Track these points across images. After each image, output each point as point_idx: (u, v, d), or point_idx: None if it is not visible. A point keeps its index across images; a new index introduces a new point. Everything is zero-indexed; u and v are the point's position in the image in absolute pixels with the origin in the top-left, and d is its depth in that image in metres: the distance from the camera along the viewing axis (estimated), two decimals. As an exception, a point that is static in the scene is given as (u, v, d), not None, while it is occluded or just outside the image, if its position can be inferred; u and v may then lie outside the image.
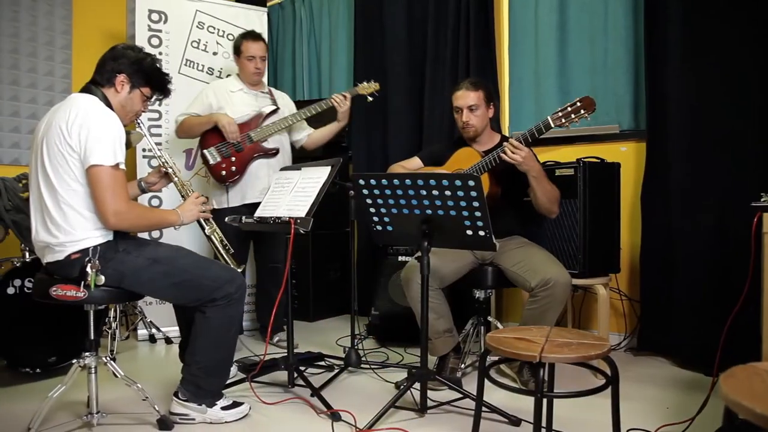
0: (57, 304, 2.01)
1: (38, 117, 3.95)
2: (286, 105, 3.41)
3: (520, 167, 2.39)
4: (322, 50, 4.63)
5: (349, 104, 3.23)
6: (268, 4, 4.77)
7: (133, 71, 2.12)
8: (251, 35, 3.24)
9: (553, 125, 2.37)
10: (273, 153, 3.24)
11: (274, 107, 3.27)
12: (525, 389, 2.28)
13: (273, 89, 3.43)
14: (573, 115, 2.34)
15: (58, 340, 2.73)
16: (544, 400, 1.63)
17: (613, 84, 3.25)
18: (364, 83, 3.30)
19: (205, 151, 3.14)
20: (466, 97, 2.64)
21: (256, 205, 3.10)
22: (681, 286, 2.78)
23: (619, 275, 3.02)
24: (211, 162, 3.13)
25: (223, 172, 3.13)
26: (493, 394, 2.22)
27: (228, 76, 3.60)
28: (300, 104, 3.55)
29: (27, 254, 2.77)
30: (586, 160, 2.75)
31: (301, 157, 3.54)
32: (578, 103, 2.33)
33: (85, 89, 2.09)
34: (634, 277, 3.11)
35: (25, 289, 2.65)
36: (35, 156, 2.01)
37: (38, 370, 2.68)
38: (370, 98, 3.31)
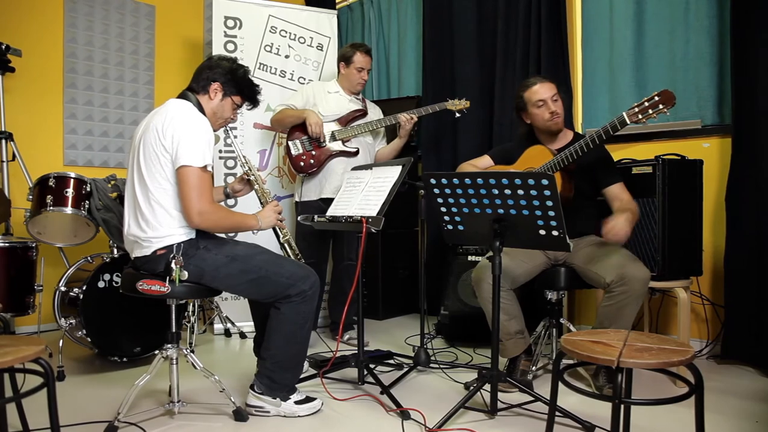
0: (142, 297, 2.13)
1: (125, 122, 4.20)
2: (376, 116, 3.52)
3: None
4: (391, 51, 4.66)
5: (413, 125, 3.34)
6: (338, 6, 4.84)
7: (226, 80, 2.25)
8: (364, 49, 3.39)
9: (629, 122, 2.28)
10: (353, 153, 3.34)
11: (362, 109, 3.42)
12: (602, 395, 2.21)
13: (366, 99, 3.57)
14: (651, 111, 2.24)
15: (142, 331, 2.88)
16: (622, 407, 1.57)
17: (694, 76, 3.09)
18: (455, 100, 3.36)
19: (289, 141, 3.33)
20: (546, 89, 2.58)
21: (331, 200, 3.18)
22: (771, 290, 2.61)
23: (701, 278, 2.87)
24: (293, 152, 3.31)
25: (302, 163, 3.30)
26: (566, 399, 2.16)
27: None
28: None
29: (115, 251, 2.94)
30: (665, 157, 2.63)
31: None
32: (656, 98, 2.23)
33: (182, 95, 2.22)
34: (718, 281, 2.95)
35: (114, 283, 2.82)
36: (133, 155, 2.15)
37: (124, 359, 2.85)
38: (458, 114, 3.37)
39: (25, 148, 3.57)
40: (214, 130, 2.24)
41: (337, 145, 3.31)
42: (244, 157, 2.49)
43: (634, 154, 3.03)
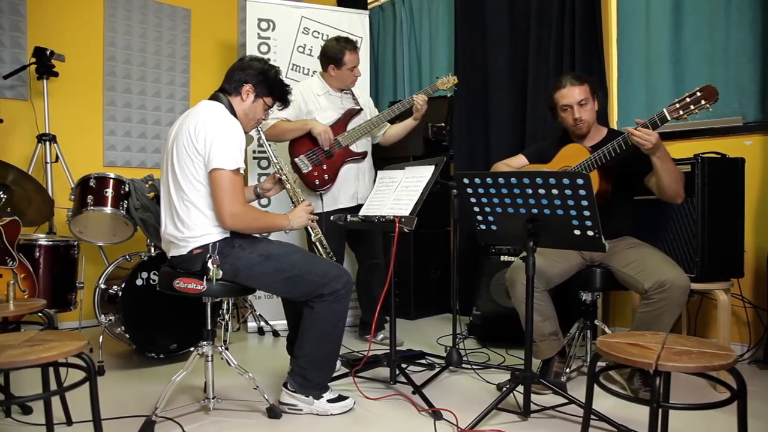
0: (178, 295, 2.17)
1: (161, 123, 4.29)
2: (367, 103, 3.41)
3: (647, 151, 2.24)
4: (423, 50, 4.65)
5: (426, 105, 3.21)
6: (369, 6, 4.86)
7: (257, 81, 2.25)
8: (352, 46, 3.19)
9: (669, 118, 2.22)
10: (362, 156, 3.25)
11: (359, 107, 3.28)
12: (640, 398, 2.17)
13: (353, 89, 3.37)
14: (692, 107, 2.17)
15: (178, 329, 2.94)
16: (660, 411, 1.54)
17: (735, 72, 3.00)
18: (443, 78, 3.22)
19: (296, 159, 3.14)
20: (574, 93, 2.54)
21: (347, 209, 3.13)
22: (818, 293, 2.52)
23: (742, 280, 2.79)
24: (304, 171, 3.13)
25: (317, 181, 3.14)
26: (600, 401, 2.12)
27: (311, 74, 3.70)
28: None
29: (152, 249, 3.01)
30: (705, 155, 2.56)
31: (388, 158, 3.54)
32: (698, 93, 2.16)
33: (213, 97, 2.25)
34: (761, 283, 2.86)
35: (151, 281, 2.89)
36: (167, 156, 2.19)
37: (161, 356, 2.92)
38: (449, 93, 3.25)
39: (68, 149, 3.68)
40: (246, 131, 2.26)
41: (344, 152, 3.19)
42: (275, 156, 2.51)
43: (672, 153, 2.92)
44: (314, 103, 3.22)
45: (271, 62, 2.35)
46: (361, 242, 3.42)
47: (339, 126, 3.20)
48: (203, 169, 2.08)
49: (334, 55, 3.16)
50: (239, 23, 4.68)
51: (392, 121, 3.41)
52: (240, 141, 2.10)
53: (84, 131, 4.00)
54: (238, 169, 2.07)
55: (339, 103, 3.27)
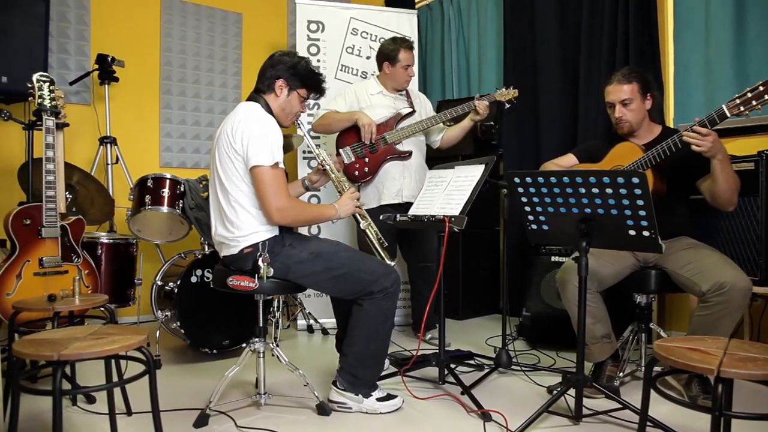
0: (230, 292, 2.22)
1: (214, 125, 4.41)
2: (423, 106, 3.42)
3: (705, 154, 2.17)
4: (471, 49, 4.61)
5: (488, 111, 3.19)
6: (417, 6, 4.85)
7: (289, 75, 2.29)
8: (407, 44, 3.26)
9: (729, 114, 2.12)
10: (406, 155, 3.26)
11: (410, 109, 3.30)
12: (701, 406, 2.09)
13: (410, 90, 3.43)
14: (754, 102, 2.07)
15: (230, 325, 3.02)
16: (722, 420, 1.48)
17: (804, 65, 2.85)
18: (503, 89, 3.22)
19: (341, 150, 3.23)
20: (618, 92, 2.48)
21: (393, 206, 3.16)
22: None
23: (811, 284, 2.65)
24: (346, 161, 3.21)
25: (356, 172, 3.22)
26: (655, 408, 2.05)
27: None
28: (448, 104, 3.56)
29: (206, 248, 3.09)
30: (769, 152, 2.45)
31: (436, 157, 3.52)
32: (761, 88, 2.05)
33: (250, 98, 2.30)
34: (831, 287, 2.71)
35: (205, 278, 2.97)
36: (213, 160, 2.25)
37: (214, 351, 3.00)
38: (507, 105, 3.22)
39: (127, 151, 3.82)
40: (287, 125, 2.30)
41: (389, 149, 3.22)
42: (316, 146, 2.53)
43: (734, 150, 2.82)
44: (367, 101, 3.28)
45: (319, 63, 2.37)
46: (411, 245, 3.43)
47: (388, 125, 3.24)
48: (244, 168, 2.12)
49: (389, 52, 3.24)
50: (289, 25, 4.77)
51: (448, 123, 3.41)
52: (276, 137, 2.13)
53: (142, 133, 4.16)
54: (276, 164, 2.11)
55: (392, 103, 3.31)
